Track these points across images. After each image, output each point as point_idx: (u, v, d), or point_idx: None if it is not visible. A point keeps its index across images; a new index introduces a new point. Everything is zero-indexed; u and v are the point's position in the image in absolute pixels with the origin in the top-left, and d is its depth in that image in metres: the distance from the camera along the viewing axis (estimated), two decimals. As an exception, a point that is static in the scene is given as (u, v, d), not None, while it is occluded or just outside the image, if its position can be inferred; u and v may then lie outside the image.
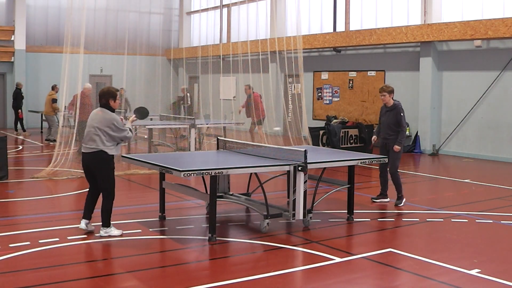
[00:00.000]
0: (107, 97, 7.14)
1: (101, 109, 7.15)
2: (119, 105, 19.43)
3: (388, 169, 9.33)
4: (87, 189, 7.43)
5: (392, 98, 9.39)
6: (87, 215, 7.31)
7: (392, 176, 9.28)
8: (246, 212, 8.67)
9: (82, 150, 7.24)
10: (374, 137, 9.70)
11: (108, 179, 7.11)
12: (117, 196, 9.77)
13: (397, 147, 9.18)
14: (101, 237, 7.03)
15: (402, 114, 9.24)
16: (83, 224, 7.26)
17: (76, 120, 12.64)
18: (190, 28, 27.67)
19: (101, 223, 7.14)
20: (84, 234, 7.15)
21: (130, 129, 7.27)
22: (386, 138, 9.36)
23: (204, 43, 25.28)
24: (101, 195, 7.24)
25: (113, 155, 7.15)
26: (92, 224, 7.33)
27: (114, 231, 7.13)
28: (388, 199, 9.45)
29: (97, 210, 7.24)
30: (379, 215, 8.66)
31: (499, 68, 14.86)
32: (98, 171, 7.10)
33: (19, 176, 11.71)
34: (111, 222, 7.18)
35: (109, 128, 7.00)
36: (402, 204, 9.22)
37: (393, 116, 9.25)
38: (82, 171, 11.02)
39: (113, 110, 7.19)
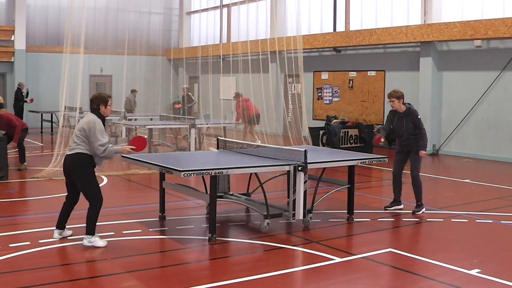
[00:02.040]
0: (97, 102, 6.80)
1: (90, 113, 6.85)
2: (132, 108, 19.48)
3: (410, 173, 8.86)
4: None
5: (403, 103, 8.79)
6: (61, 224, 6.97)
7: (414, 180, 8.79)
8: (246, 212, 8.67)
9: (66, 153, 6.90)
10: (382, 138, 8.98)
11: (87, 184, 6.70)
12: (117, 196, 9.82)
13: (423, 153, 8.71)
14: (84, 247, 6.64)
15: (419, 117, 8.78)
16: (56, 234, 6.95)
17: None
18: (190, 28, 27.68)
19: (85, 230, 6.73)
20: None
21: (109, 148, 6.63)
22: (405, 145, 8.82)
23: (204, 43, 25.29)
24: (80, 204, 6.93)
25: (92, 161, 6.71)
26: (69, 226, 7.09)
27: (98, 241, 6.69)
28: (402, 206, 9.00)
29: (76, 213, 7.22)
30: (379, 215, 8.65)
31: (499, 68, 14.86)
32: (76, 175, 6.71)
33: (19, 176, 11.71)
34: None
35: (89, 131, 6.60)
36: (420, 212, 8.68)
37: (410, 122, 8.72)
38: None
39: (103, 117, 6.81)
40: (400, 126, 8.80)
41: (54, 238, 6.95)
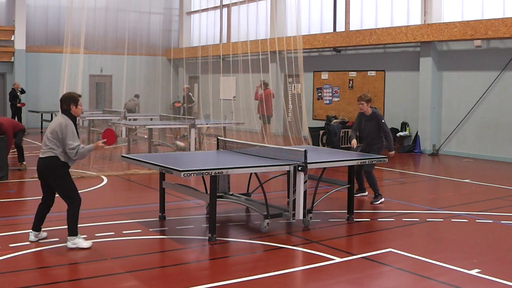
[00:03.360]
0: (68, 102, 6.64)
1: (61, 115, 6.67)
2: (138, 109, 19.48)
3: (363, 169, 9.54)
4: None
5: (370, 106, 9.61)
6: (36, 226, 6.85)
7: (366, 175, 9.44)
8: (246, 212, 8.67)
9: (39, 156, 6.77)
10: (354, 141, 9.65)
11: (64, 186, 6.64)
12: (117, 196, 9.82)
13: (391, 153, 9.50)
14: (69, 249, 6.57)
15: (383, 121, 9.50)
16: (32, 237, 6.82)
17: None
18: (190, 28, 27.67)
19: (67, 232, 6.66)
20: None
21: (80, 150, 6.53)
22: (369, 145, 9.55)
23: (204, 43, 25.28)
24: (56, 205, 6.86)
25: (66, 163, 6.63)
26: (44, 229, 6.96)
27: (82, 242, 6.61)
28: (367, 193, 9.84)
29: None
30: (379, 215, 8.66)
31: (499, 68, 14.86)
32: (52, 179, 6.66)
33: (19, 176, 11.71)
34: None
35: (61, 135, 6.51)
36: (378, 202, 9.34)
37: (375, 125, 9.49)
38: (82, 171, 11.04)
39: (74, 118, 6.68)
40: (366, 128, 9.62)
41: (29, 241, 6.80)
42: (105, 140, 6.93)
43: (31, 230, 6.91)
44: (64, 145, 6.55)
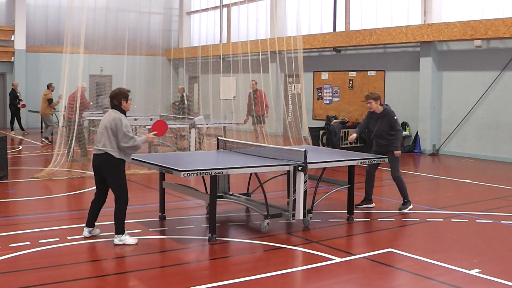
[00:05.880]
0: (119, 98, 6.87)
1: (113, 110, 6.92)
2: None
3: (391, 175, 8.99)
4: (91, 189, 7.26)
5: (380, 104, 8.92)
6: (90, 222, 7.03)
7: (396, 180, 8.90)
8: (246, 212, 8.67)
9: (93, 152, 6.99)
10: (353, 135, 9.08)
11: (117, 183, 6.81)
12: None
13: (396, 152, 8.80)
14: (115, 245, 6.73)
15: (395, 118, 8.84)
16: (86, 232, 7.00)
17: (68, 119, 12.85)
18: (190, 28, 27.68)
19: (115, 229, 6.84)
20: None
21: (137, 139, 6.84)
22: (382, 145, 8.91)
23: (204, 43, 25.28)
24: (109, 201, 7.00)
25: (122, 159, 6.83)
26: (97, 225, 7.14)
27: (129, 239, 6.81)
28: (373, 204, 9.13)
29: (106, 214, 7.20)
30: (379, 215, 8.65)
31: (499, 68, 14.86)
32: (107, 174, 6.83)
33: (19, 176, 11.71)
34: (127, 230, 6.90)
35: (115, 128, 6.73)
36: (407, 209, 8.83)
37: (386, 122, 8.81)
38: (82, 171, 11.08)
39: (124, 112, 6.92)
40: (376, 127, 8.92)
41: (83, 236, 6.96)
42: (156, 132, 7.20)
43: (84, 226, 7.04)
44: (119, 139, 6.73)
